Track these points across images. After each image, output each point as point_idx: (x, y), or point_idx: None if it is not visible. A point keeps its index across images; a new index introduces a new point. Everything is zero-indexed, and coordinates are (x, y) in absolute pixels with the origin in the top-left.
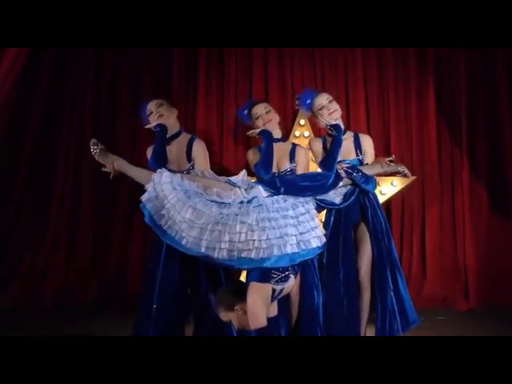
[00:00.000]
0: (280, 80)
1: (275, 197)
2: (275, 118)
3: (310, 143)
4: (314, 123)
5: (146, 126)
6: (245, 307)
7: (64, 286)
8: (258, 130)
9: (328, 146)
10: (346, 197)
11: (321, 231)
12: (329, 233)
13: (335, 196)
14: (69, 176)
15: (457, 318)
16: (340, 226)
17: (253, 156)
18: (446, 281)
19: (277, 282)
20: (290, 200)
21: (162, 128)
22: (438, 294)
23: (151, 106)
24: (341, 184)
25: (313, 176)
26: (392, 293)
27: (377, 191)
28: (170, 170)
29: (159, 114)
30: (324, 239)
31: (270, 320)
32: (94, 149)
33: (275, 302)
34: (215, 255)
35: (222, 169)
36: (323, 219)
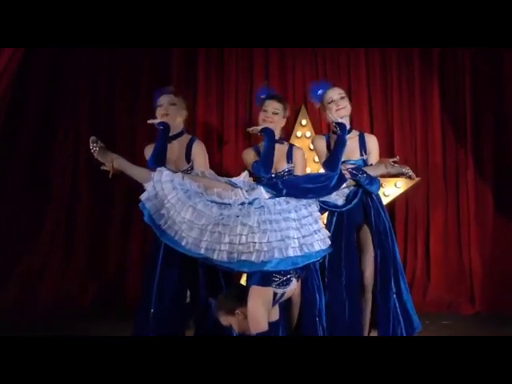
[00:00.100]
0: (281, 80)
1: (277, 199)
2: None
3: (312, 141)
4: (315, 123)
5: (149, 121)
6: (245, 311)
7: (62, 287)
8: (259, 128)
9: (332, 143)
10: (348, 198)
11: (325, 234)
12: (331, 235)
13: (338, 197)
14: (66, 176)
15: (462, 322)
16: (342, 227)
17: (249, 156)
18: (451, 284)
19: (278, 285)
20: (293, 202)
21: (165, 127)
22: (443, 298)
23: (164, 100)
24: (344, 185)
25: (315, 177)
26: (395, 296)
27: (380, 193)
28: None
29: (165, 113)
30: (328, 241)
31: (271, 324)
32: (94, 146)
33: (276, 306)
34: (215, 257)
35: (221, 169)
36: (325, 221)
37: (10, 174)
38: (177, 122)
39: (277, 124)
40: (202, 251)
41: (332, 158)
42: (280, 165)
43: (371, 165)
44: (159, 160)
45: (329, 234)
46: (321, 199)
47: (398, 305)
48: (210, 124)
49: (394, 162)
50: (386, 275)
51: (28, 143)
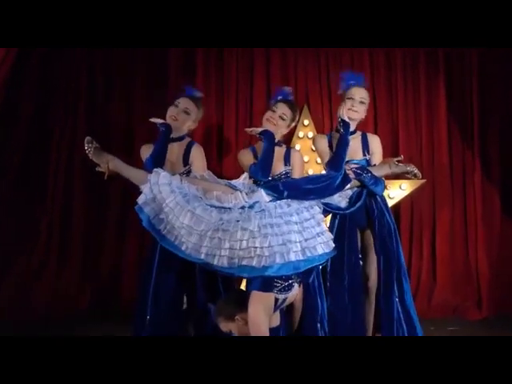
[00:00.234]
0: (283, 79)
1: (278, 201)
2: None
3: (314, 140)
4: (318, 124)
5: (152, 120)
6: (246, 317)
7: (58, 288)
8: (259, 130)
9: (334, 143)
10: (351, 200)
11: (328, 236)
12: (333, 238)
13: (341, 199)
14: (60, 176)
15: (468, 328)
16: (345, 230)
17: (245, 157)
18: (458, 288)
19: (280, 290)
20: (294, 205)
21: (167, 129)
22: (449, 302)
23: (182, 103)
24: (348, 186)
25: (317, 178)
26: (397, 299)
27: (385, 195)
28: None
29: (175, 118)
30: (332, 244)
31: (272, 330)
32: (89, 147)
33: (278, 312)
34: (215, 262)
35: (221, 171)
36: (328, 224)
37: (4, 174)
38: (182, 129)
39: (278, 128)
40: (203, 256)
41: (336, 158)
42: (277, 167)
43: (374, 165)
44: (158, 162)
45: (332, 236)
46: (323, 201)
47: (400, 309)
48: (210, 124)
49: (398, 161)
50: (389, 279)
51: (22, 143)
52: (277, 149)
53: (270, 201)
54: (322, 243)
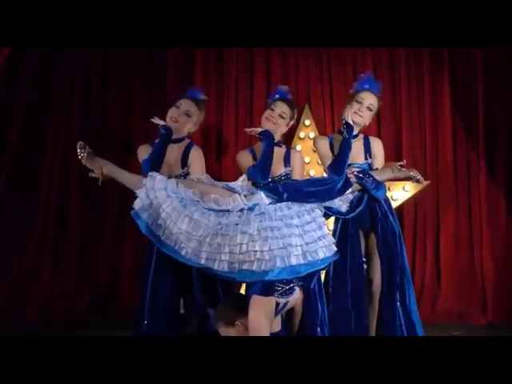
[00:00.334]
0: (284, 78)
1: (278, 204)
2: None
3: (315, 141)
4: (319, 124)
5: (153, 121)
6: (246, 322)
7: (53, 293)
8: (258, 130)
9: (335, 145)
10: (352, 205)
11: (330, 240)
12: (335, 242)
13: (341, 203)
14: (56, 176)
15: (473, 333)
16: (347, 234)
17: (244, 159)
18: (462, 292)
19: (281, 294)
20: (295, 208)
21: (168, 132)
22: (454, 306)
23: (184, 105)
24: (349, 190)
25: (318, 181)
26: (399, 303)
27: (388, 196)
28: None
29: (175, 120)
30: (334, 248)
31: (273, 335)
32: (81, 152)
33: (278, 316)
34: (215, 267)
35: (220, 172)
36: (331, 227)
37: None
38: (182, 131)
39: (278, 127)
40: (203, 261)
41: (338, 161)
42: (277, 169)
43: (377, 169)
44: (156, 164)
45: (334, 240)
46: (324, 205)
47: (402, 314)
48: (209, 124)
49: (401, 165)
50: (392, 283)
51: (16, 144)
52: (276, 149)
53: (270, 203)
54: (324, 247)
